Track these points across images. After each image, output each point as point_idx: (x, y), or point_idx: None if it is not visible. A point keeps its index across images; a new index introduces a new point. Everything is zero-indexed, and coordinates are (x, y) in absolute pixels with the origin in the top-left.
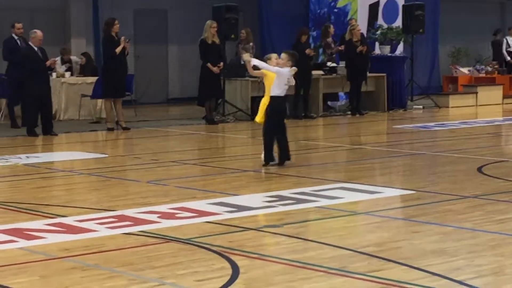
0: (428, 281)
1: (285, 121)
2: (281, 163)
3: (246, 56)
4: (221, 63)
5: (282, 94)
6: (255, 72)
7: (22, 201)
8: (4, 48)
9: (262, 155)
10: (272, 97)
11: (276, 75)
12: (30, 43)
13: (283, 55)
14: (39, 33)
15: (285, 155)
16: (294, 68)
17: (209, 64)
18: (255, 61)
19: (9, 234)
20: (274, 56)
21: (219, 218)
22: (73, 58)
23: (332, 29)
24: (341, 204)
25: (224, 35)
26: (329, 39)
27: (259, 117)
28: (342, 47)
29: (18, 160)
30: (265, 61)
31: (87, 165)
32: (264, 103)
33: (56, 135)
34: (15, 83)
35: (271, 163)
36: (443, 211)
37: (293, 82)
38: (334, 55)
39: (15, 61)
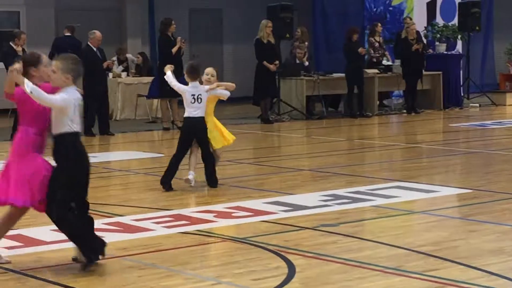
0: (486, 280)
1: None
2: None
3: (166, 69)
4: (277, 62)
5: (191, 115)
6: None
7: None
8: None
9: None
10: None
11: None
12: (89, 43)
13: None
14: (98, 33)
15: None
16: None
17: (265, 62)
18: (169, 75)
19: None
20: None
21: (275, 217)
22: (129, 56)
23: (379, 28)
24: (397, 203)
25: (279, 34)
26: (372, 39)
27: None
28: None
29: None
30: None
31: (143, 165)
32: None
33: (113, 134)
34: None
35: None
36: (500, 210)
37: (220, 94)
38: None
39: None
